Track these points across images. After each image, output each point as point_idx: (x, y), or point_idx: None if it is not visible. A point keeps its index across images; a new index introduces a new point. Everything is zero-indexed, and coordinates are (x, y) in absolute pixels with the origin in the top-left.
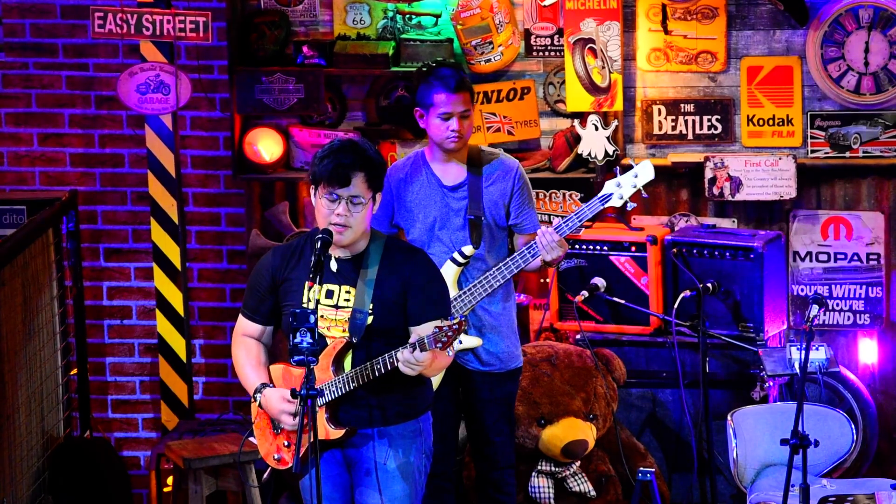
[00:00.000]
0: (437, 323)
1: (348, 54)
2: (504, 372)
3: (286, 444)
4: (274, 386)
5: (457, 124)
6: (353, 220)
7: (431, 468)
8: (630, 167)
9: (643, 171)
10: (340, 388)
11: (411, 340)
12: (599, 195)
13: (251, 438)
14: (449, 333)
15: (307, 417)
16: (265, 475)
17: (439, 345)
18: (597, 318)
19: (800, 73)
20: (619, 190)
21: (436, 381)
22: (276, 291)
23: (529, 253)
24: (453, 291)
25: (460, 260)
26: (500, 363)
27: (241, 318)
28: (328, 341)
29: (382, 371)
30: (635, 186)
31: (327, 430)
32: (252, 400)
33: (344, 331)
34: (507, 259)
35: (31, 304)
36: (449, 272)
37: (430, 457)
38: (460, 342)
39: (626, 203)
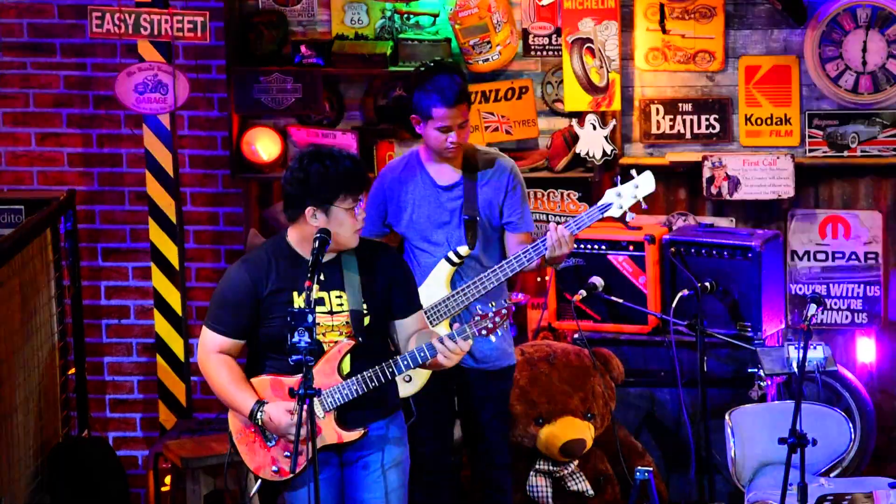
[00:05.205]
0: (479, 310)
1: (346, 54)
2: (498, 369)
3: (286, 454)
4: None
5: (455, 136)
6: None
7: (427, 466)
8: (629, 172)
9: (644, 183)
10: (355, 389)
11: (420, 333)
12: (599, 205)
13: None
14: (496, 319)
15: (306, 417)
16: (254, 490)
17: (484, 331)
18: (595, 318)
19: (798, 72)
20: (619, 200)
21: (423, 379)
22: (257, 305)
23: (534, 251)
24: (445, 291)
25: (455, 260)
26: (495, 360)
27: (211, 335)
28: (325, 346)
29: (411, 367)
30: (635, 197)
31: (339, 434)
32: (249, 418)
33: (342, 334)
34: (511, 258)
35: (29, 304)
36: (443, 272)
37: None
38: (500, 332)
39: (625, 213)
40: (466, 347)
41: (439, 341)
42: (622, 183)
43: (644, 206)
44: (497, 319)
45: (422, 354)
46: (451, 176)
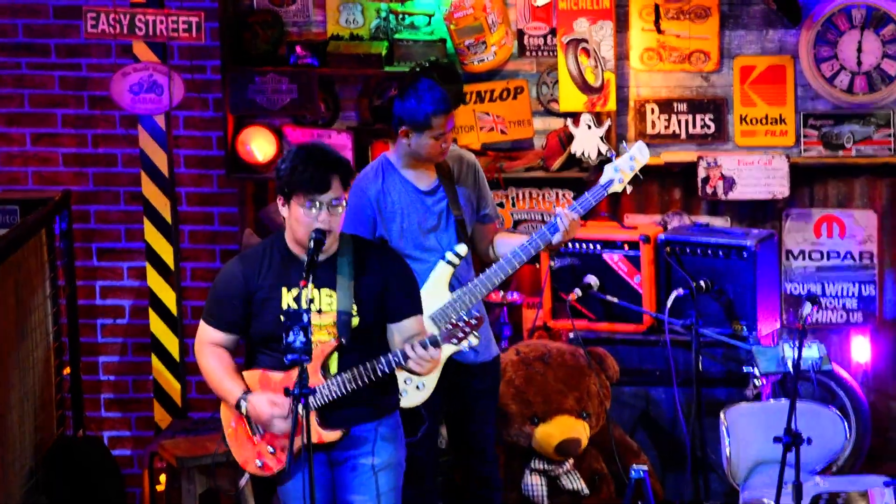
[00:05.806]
0: (452, 319)
1: (341, 54)
2: (491, 360)
3: (271, 450)
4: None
5: (450, 140)
6: (335, 223)
7: (427, 473)
8: (621, 144)
9: (639, 153)
10: (334, 391)
11: (414, 339)
12: (601, 183)
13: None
14: (466, 329)
15: (301, 417)
16: (242, 482)
17: (454, 340)
18: (590, 317)
19: (793, 72)
20: (618, 174)
21: (433, 386)
22: (248, 300)
23: (541, 239)
24: (447, 293)
25: (455, 261)
26: (489, 351)
27: (206, 327)
28: (312, 346)
29: (386, 371)
30: (633, 169)
31: (320, 434)
32: (235, 408)
33: (329, 334)
34: (517, 249)
35: (24, 304)
36: (443, 274)
37: (405, 449)
38: (472, 340)
39: (625, 188)
40: (437, 355)
41: (411, 348)
42: (617, 158)
43: (640, 177)
44: (467, 329)
45: (395, 360)
46: (430, 179)
